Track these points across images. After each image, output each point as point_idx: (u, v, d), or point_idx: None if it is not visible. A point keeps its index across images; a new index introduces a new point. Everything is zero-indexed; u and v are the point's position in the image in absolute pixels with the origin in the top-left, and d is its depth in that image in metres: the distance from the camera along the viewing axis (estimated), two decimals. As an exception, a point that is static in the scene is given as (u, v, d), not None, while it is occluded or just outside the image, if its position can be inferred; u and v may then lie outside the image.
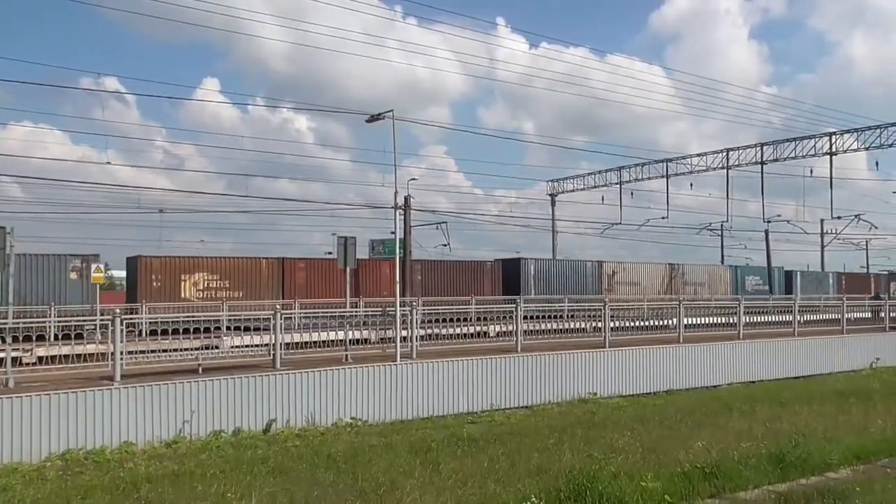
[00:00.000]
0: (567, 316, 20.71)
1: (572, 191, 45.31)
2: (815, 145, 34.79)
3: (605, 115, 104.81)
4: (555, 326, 18.28)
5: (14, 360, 11.33)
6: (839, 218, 41.26)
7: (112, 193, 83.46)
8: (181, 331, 12.53)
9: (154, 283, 24.16)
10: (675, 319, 18.58)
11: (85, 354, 11.58)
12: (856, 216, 47.15)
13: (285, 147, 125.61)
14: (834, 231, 52.73)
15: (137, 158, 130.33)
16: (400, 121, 16.05)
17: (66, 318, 16.43)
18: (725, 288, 39.26)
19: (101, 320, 14.99)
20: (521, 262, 32.45)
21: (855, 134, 34.08)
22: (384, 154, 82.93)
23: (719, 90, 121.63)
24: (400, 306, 14.46)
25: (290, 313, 15.52)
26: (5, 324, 12.59)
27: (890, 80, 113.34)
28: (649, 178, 40.70)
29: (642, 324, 19.84)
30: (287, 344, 13.15)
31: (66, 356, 11.40)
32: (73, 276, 21.94)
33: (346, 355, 13.69)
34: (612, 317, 17.52)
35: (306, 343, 14.01)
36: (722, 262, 48.08)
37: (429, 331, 15.46)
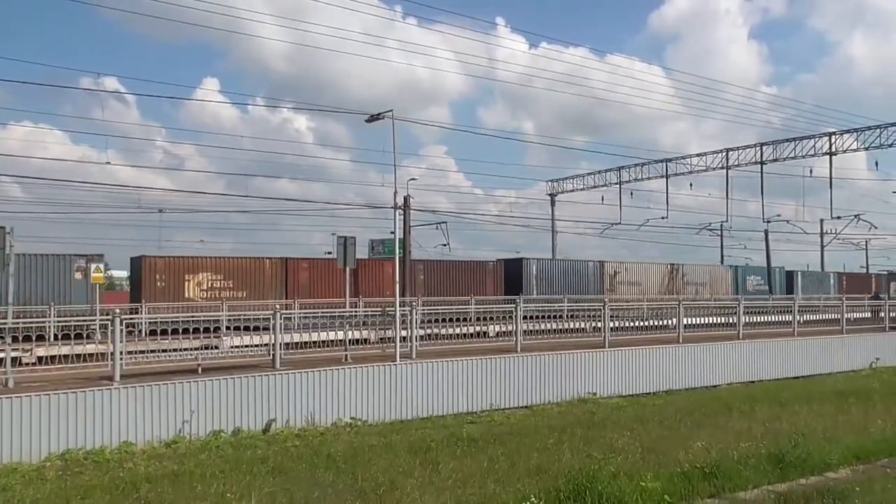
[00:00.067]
0: (567, 316, 20.72)
1: (572, 191, 45.36)
2: (814, 145, 34.83)
3: (604, 115, 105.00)
4: (554, 326, 18.28)
5: (14, 360, 11.33)
6: (839, 218, 41.33)
7: (112, 193, 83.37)
8: (180, 331, 12.53)
9: (158, 284, 24.25)
10: (674, 319, 18.58)
11: (84, 354, 11.57)
12: (855, 216, 47.21)
13: (285, 147, 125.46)
14: (833, 231, 52.85)
15: (137, 158, 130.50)
16: (399, 121, 16.06)
17: (65, 318, 16.42)
18: (727, 288, 39.27)
19: (101, 320, 14.99)
20: (524, 262, 32.47)
21: (855, 134, 34.10)
22: (384, 154, 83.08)
23: (719, 90, 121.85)
24: (400, 306, 14.46)
25: (290, 313, 15.52)
26: (5, 324, 12.59)
27: (890, 80, 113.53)
28: (649, 178, 40.75)
29: (642, 324, 19.84)
30: (287, 344, 13.15)
31: (65, 356, 11.39)
32: (78, 276, 22.04)
33: (346, 355, 13.69)
34: (611, 317, 17.53)
35: (306, 343, 14.01)
36: (721, 262, 48.10)
37: (428, 331, 15.46)
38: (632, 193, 41.16)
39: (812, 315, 23.09)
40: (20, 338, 12.54)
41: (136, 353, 12.36)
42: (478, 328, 18.97)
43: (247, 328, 15.02)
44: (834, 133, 34.60)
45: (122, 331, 11.49)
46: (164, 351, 12.34)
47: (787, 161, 36.03)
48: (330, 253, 33.95)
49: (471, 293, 26.39)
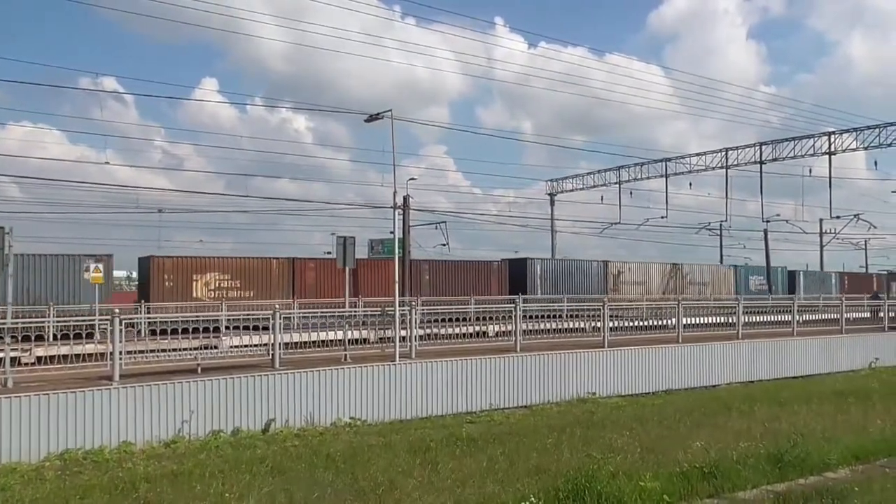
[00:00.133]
0: (567, 316, 20.73)
1: (571, 190, 45.40)
2: (814, 145, 34.87)
3: (603, 115, 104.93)
4: (554, 326, 18.29)
5: (13, 359, 11.33)
6: (838, 217, 41.38)
7: (111, 193, 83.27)
8: (180, 331, 12.53)
9: (166, 283, 24.57)
10: (674, 319, 18.59)
11: (84, 354, 11.56)
12: (855, 216, 47.28)
13: (285, 147, 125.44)
14: (833, 231, 52.90)
15: (136, 158, 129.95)
16: (399, 120, 16.07)
17: (64, 318, 16.43)
18: (729, 288, 39.28)
19: (101, 320, 14.99)
20: (528, 262, 32.51)
21: (854, 133, 34.13)
22: (384, 154, 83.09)
23: (718, 90, 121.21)
24: (399, 306, 14.46)
25: (290, 313, 15.52)
26: (4, 324, 12.59)
27: (889, 80, 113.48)
28: (648, 178, 40.79)
29: (641, 323, 19.85)
30: (286, 344, 13.15)
31: (64, 356, 11.39)
32: (87, 276, 22.18)
33: (346, 355, 13.69)
34: (611, 316, 17.53)
35: (305, 343, 14.02)
36: (721, 262, 48.14)
37: (428, 330, 15.46)
38: (631, 193, 41.28)
39: (811, 315, 23.10)
40: (19, 338, 12.53)
41: (135, 352, 12.36)
42: (477, 328, 18.97)
43: (247, 328, 15.02)
44: (833, 133, 34.63)
45: (121, 331, 11.49)
46: (164, 351, 12.34)
47: (786, 161, 36.12)
48: (329, 253, 34.00)
49: (475, 293, 26.56)
